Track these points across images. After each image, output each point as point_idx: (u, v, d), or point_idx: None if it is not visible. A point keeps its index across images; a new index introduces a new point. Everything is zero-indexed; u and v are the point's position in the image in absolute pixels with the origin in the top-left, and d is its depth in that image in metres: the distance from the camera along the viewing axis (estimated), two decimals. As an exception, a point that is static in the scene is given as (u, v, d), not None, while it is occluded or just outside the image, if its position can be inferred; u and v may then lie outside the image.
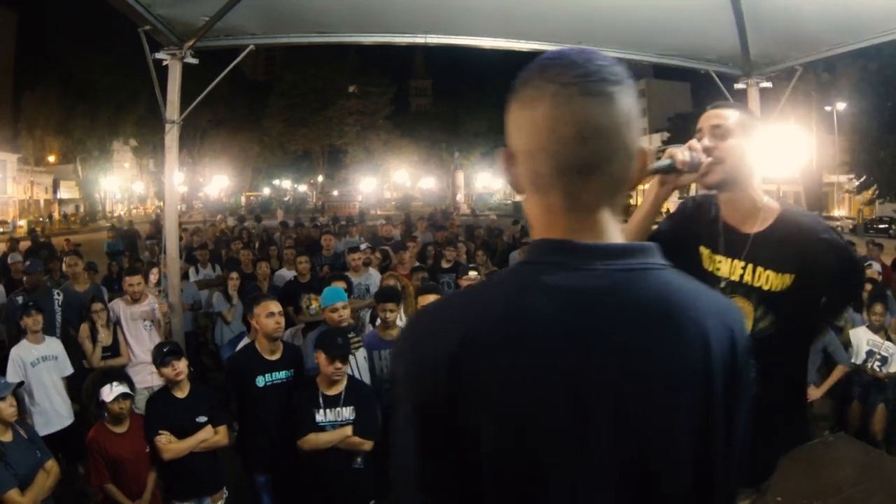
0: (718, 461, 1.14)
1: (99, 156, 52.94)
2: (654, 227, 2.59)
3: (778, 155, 17.48)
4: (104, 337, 6.64)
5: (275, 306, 4.91)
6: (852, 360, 6.52)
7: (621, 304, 1.10)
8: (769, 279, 2.37)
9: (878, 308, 6.70)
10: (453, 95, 69.86)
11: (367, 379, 5.20)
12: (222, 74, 6.54)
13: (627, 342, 1.08)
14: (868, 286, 7.78)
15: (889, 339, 6.65)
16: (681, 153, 2.34)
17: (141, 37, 5.65)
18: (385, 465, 4.20)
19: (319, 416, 4.52)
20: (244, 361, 4.94)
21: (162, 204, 9.43)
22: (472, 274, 6.47)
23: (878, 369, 6.48)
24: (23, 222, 43.91)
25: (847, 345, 6.69)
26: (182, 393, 4.80)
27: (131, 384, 4.78)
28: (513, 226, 18.11)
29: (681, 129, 59.10)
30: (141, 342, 6.68)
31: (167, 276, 6.47)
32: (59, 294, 7.60)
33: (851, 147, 22.43)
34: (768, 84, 7.55)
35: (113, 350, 6.66)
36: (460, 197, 66.88)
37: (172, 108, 6.06)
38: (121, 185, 61.71)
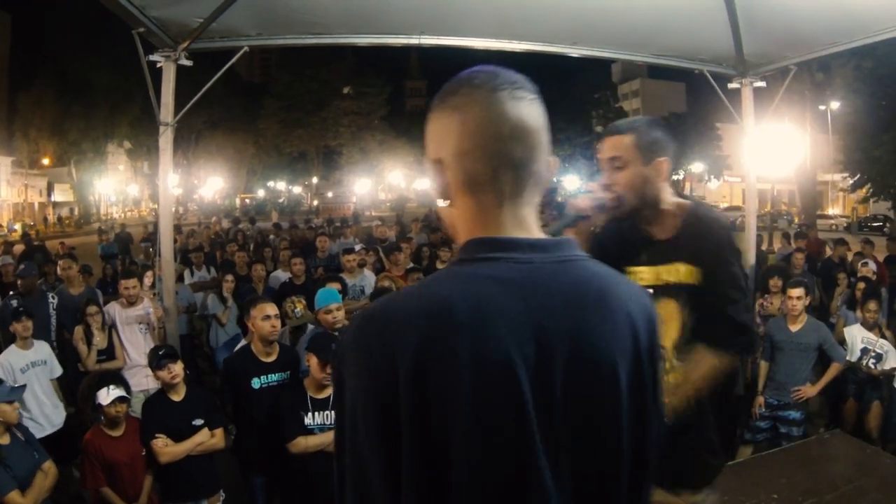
0: (651, 422, 1.31)
1: (93, 158, 52.83)
2: None
3: (772, 154, 17.53)
4: (99, 340, 6.63)
5: (271, 309, 4.90)
6: (847, 358, 6.54)
7: (563, 291, 1.22)
8: (687, 273, 2.52)
9: (872, 305, 6.73)
10: (448, 96, 69.83)
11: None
12: (217, 76, 6.52)
13: (573, 324, 1.20)
14: (861, 284, 7.83)
15: (883, 336, 6.67)
16: (581, 202, 2.46)
17: (135, 39, 5.63)
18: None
19: (308, 420, 4.50)
20: (239, 363, 4.93)
21: (157, 206, 9.43)
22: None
23: (872, 366, 6.50)
24: (17, 226, 43.79)
25: (842, 342, 6.71)
26: (178, 396, 4.79)
27: (127, 387, 4.77)
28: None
29: (675, 129, 59.20)
30: (137, 345, 6.67)
31: (162, 279, 6.46)
32: (53, 297, 7.59)
33: (845, 146, 22.49)
34: (762, 83, 7.58)
35: (108, 353, 6.65)
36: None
37: (167, 110, 6.05)
38: (115, 187, 61.58)
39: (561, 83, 58.53)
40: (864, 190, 20.85)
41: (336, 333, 5.01)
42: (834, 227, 41.06)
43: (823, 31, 6.33)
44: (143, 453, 4.61)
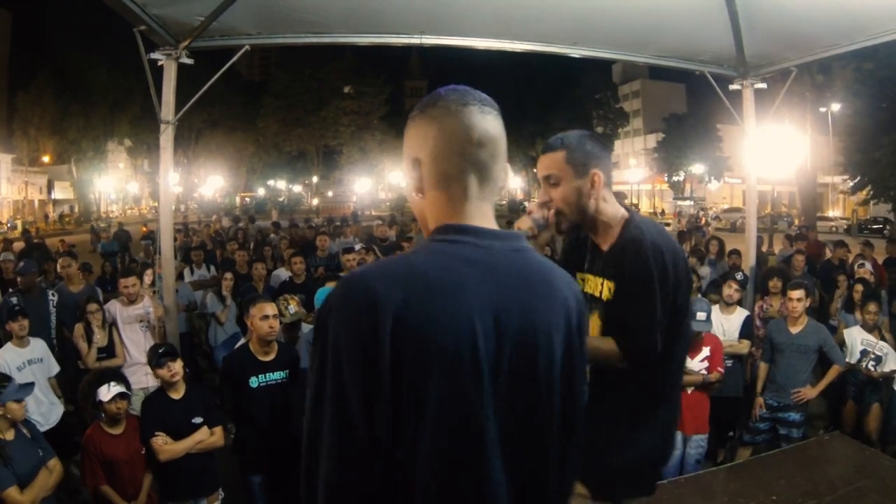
0: (578, 384, 1.62)
1: (93, 156, 52.79)
2: None
3: (773, 156, 17.53)
4: (100, 338, 6.62)
5: (270, 309, 4.90)
6: (847, 360, 6.54)
7: (515, 274, 1.49)
8: (606, 288, 2.61)
9: (872, 307, 6.72)
10: (448, 96, 69.65)
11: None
12: (217, 75, 6.53)
13: (522, 301, 1.47)
14: (859, 286, 7.84)
15: (883, 338, 6.67)
16: (524, 223, 2.57)
17: (136, 37, 5.64)
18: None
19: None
20: (238, 362, 4.93)
21: (157, 204, 9.46)
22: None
23: (872, 369, 6.50)
24: (17, 223, 43.79)
25: (841, 344, 6.71)
26: (177, 394, 4.79)
27: (128, 385, 4.77)
28: (506, 226, 18.08)
29: (676, 129, 59.16)
30: (137, 343, 6.66)
31: (162, 277, 6.46)
32: (53, 295, 7.59)
33: (846, 148, 22.48)
34: (763, 85, 7.59)
35: (108, 351, 6.65)
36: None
37: (167, 109, 6.06)
38: (115, 185, 61.56)
39: (561, 84, 58.48)
40: (864, 192, 20.85)
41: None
42: (834, 229, 41.08)
43: (825, 32, 6.34)
44: (143, 451, 4.61)
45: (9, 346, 5.96)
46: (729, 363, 6.26)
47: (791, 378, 6.09)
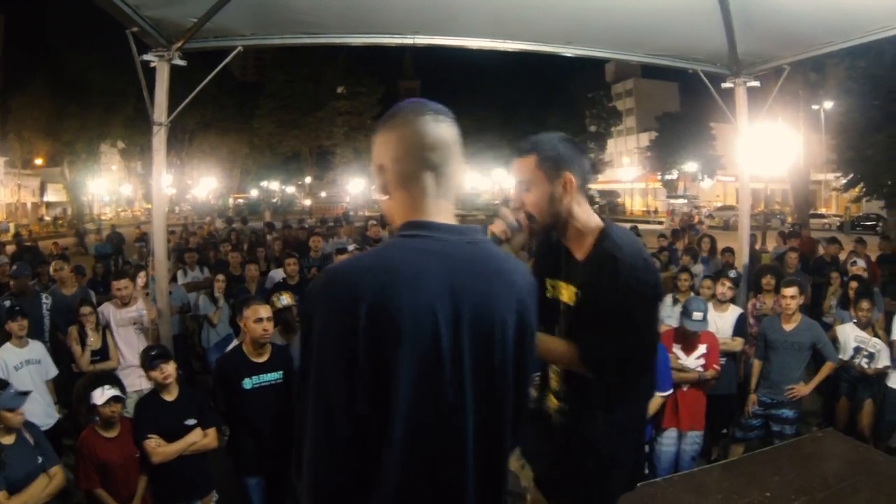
0: (529, 361, 1.81)
1: (87, 158, 52.51)
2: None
3: (766, 154, 17.56)
4: (94, 340, 6.60)
5: (264, 311, 4.88)
6: (840, 357, 6.56)
7: (471, 263, 1.70)
8: (576, 295, 2.59)
9: (865, 304, 6.74)
10: (442, 96, 69.02)
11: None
12: (210, 76, 6.53)
13: (477, 287, 1.68)
14: (853, 283, 7.86)
15: (876, 335, 6.69)
16: (497, 227, 2.58)
17: (129, 38, 5.62)
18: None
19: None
20: (231, 364, 4.91)
21: (150, 206, 9.44)
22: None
23: (865, 366, 6.52)
24: (10, 226, 43.59)
25: (834, 341, 6.72)
26: (171, 396, 4.78)
27: (122, 388, 4.76)
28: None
29: (669, 128, 59.18)
30: (131, 346, 6.65)
31: (155, 279, 6.45)
32: (47, 298, 7.58)
33: (838, 145, 22.52)
34: (756, 83, 7.61)
35: (102, 354, 6.63)
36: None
37: (160, 110, 6.05)
38: (108, 187, 61.31)
39: (555, 83, 58.52)
40: (856, 189, 20.89)
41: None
42: (827, 226, 41.16)
43: (818, 30, 6.35)
44: (137, 454, 4.60)
45: (7, 345, 5.95)
46: (722, 361, 6.28)
47: (784, 375, 6.11)
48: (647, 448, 5.78)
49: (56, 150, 51.12)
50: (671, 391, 5.60)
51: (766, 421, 6.19)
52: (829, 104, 32.34)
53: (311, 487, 1.61)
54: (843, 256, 11.25)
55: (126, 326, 6.74)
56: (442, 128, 1.77)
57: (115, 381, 4.72)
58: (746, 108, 7.75)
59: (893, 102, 18.15)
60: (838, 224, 42.62)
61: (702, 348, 5.93)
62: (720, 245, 11.46)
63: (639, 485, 4.17)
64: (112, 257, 15.80)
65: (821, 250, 12.38)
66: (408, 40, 6.69)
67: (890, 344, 6.58)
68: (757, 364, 6.38)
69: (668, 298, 7.34)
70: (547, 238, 2.85)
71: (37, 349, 6.16)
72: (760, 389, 6.25)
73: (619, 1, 6.00)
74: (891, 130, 18.08)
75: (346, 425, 1.55)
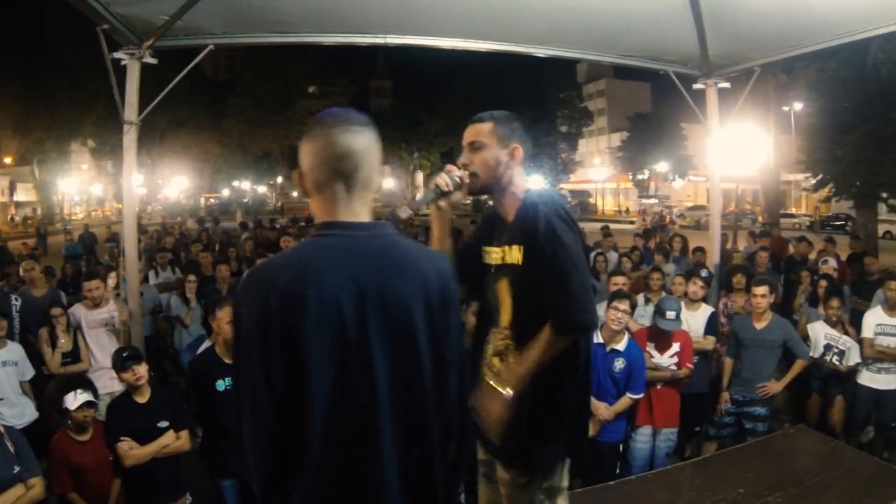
0: (443, 348, 1.95)
1: (57, 157, 51.85)
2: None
3: (736, 154, 17.72)
4: (64, 342, 6.51)
5: (237, 312, 4.85)
6: (811, 354, 6.63)
7: (373, 256, 1.91)
8: (513, 254, 2.80)
9: (835, 303, 6.83)
10: (414, 95, 69.09)
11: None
12: (182, 74, 6.46)
13: (380, 277, 1.87)
14: (823, 282, 7.96)
15: (846, 332, 6.77)
16: (441, 179, 2.79)
17: (99, 36, 5.56)
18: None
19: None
20: (203, 365, 4.87)
21: (121, 206, 9.29)
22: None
23: (837, 362, 6.60)
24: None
25: (805, 339, 6.79)
26: (143, 398, 4.74)
27: (95, 392, 4.70)
28: (471, 225, 18.04)
29: (640, 128, 59.47)
30: (102, 347, 6.58)
31: (126, 280, 6.38)
32: (16, 299, 7.45)
33: (808, 146, 22.72)
34: (727, 84, 7.68)
35: (73, 356, 6.54)
36: (420, 197, 66.16)
37: (131, 109, 5.99)
38: (79, 187, 60.58)
39: (526, 83, 58.46)
40: (826, 189, 21.07)
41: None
42: (797, 225, 41.69)
43: (788, 33, 6.42)
44: (111, 458, 4.54)
45: None
46: (695, 359, 6.33)
47: (756, 373, 6.17)
48: (621, 446, 5.82)
49: (25, 149, 50.38)
50: (642, 395, 5.63)
51: (739, 418, 6.24)
52: (799, 106, 32.72)
53: (248, 463, 1.85)
54: (813, 256, 11.37)
55: (97, 328, 6.67)
56: (352, 138, 1.95)
57: (87, 385, 4.66)
58: (717, 108, 7.81)
59: (863, 105, 18.35)
60: (808, 224, 43.17)
61: (675, 347, 5.97)
62: (692, 244, 11.54)
63: (613, 483, 4.21)
64: (83, 257, 15.54)
65: (791, 249, 12.51)
66: (379, 40, 6.67)
67: (860, 341, 6.66)
68: (728, 362, 6.43)
69: (641, 298, 7.38)
70: (489, 213, 3.14)
71: (15, 350, 6.10)
72: (732, 387, 6.30)
73: (591, 2, 6.02)
74: (860, 132, 18.28)
75: (270, 403, 1.79)
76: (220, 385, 4.72)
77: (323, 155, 1.95)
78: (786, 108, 36.50)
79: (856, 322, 7.03)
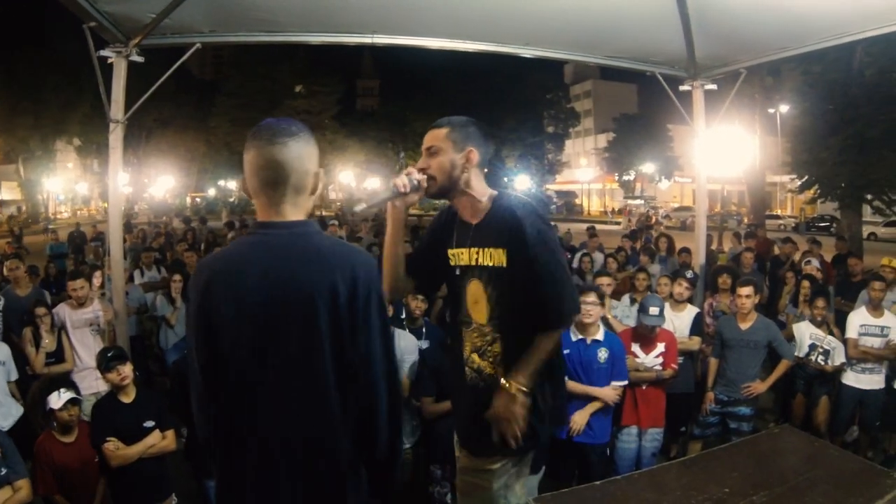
0: (348, 345, 2.13)
1: (42, 156, 51.50)
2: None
3: (722, 156, 17.80)
4: (48, 342, 6.46)
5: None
6: (796, 354, 6.67)
7: (287, 251, 2.15)
8: (492, 256, 2.89)
9: (820, 303, 6.87)
10: (401, 95, 68.81)
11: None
12: (168, 73, 6.45)
13: (290, 270, 2.12)
14: (806, 283, 8.01)
15: (831, 332, 6.81)
16: (400, 180, 2.89)
17: (86, 33, 5.53)
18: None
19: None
20: (188, 365, 4.84)
21: (107, 205, 9.17)
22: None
23: (822, 362, 6.64)
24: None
25: (790, 339, 6.84)
26: (128, 398, 4.71)
27: (77, 390, 4.68)
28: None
29: (627, 129, 59.61)
30: (87, 347, 6.51)
31: (111, 279, 6.34)
32: (0, 299, 7.40)
33: (794, 148, 22.83)
34: (713, 86, 7.71)
35: (57, 356, 6.49)
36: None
37: (117, 107, 5.96)
38: (64, 186, 60.21)
39: (513, 83, 58.42)
40: (811, 191, 21.19)
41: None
42: (782, 226, 41.90)
43: (774, 36, 6.46)
44: (96, 458, 4.52)
45: None
46: (680, 360, 6.35)
47: (741, 373, 6.20)
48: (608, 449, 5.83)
49: (10, 147, 50.06)
50: (627, 381, 5.65)
51: (724, 418, 6.27)
52: (784, 108, 32.85)
53: (194, 417, 2.33)
54: (797, 257, 11.43)
55: (82, 328, 6.61)
56: (277, 150, 2.16)
57: (69, 385, 4.64)
58: (704, 110, 7.85)
59: (848, 107, 18.48)
60: (793, 225, 43.43)
61: (660, 347, 5.99)
62: (677, 245, 11.58)
63: (599, 482, 4.21)
64: (71, 257, 15.41)
65: (776, 250, 12.58)
66: (366, 40, 6.67)
67: (844, 342, 6.71)
68: (713, 362, 6.46)
69: (626, 298, 7.40)
70: (447, 212, 3.19)
71: (3, 351, 6.06)
72: (717, 387, 6.33)
73: (578, 3, 6.04)
74: (845, 134, 18.41)
75: (200, 373, 2.18)
76: (206, 385, 4.70)
77: (253, 166, 2.19)
78: (772, 111, 36.71)
79: (840, 323, 7.08)
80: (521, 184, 55.75)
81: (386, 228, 3.16)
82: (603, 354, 5.47)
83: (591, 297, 5.50)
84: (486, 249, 2.90)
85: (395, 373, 2.32)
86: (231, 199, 68.84)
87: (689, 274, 7.33)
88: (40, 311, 6.55)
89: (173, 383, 5.14)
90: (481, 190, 2.97)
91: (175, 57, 6.46)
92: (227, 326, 2.10)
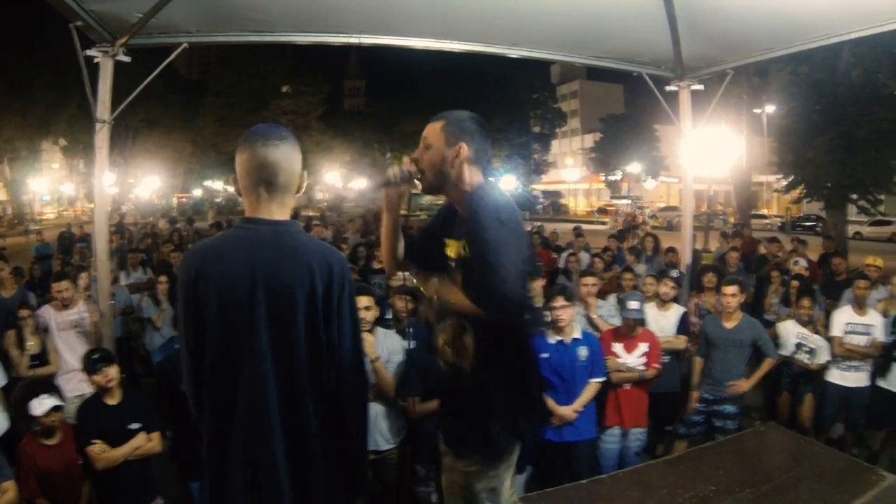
0: (321, 333, 2.39)
1: (27, 156, 51.15)
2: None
3: (709, 155, 17.88)
4: (33, 344, 6.38)
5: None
6: (781, 352, 6.71)
7: (270, 245, 2.39)
8: (464, 247, 2.91)
9: (806, 302, 6.90)
10: (387, 95, 68.79)
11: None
12: (155, 73, 6.41)
13: (272, 263, 2.35)
14: (795, 282, 8.05)
15: (817, 331, 6.85)
16: (392, 170, 3.01)
17: (72, 33, 5.50)
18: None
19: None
20: (173, 366, 4.78)
21: (93, 206, 9.05)
22: (401, 274, 6.42)
23: (808, 361, 6.67)
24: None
25: (776, 338, 6.87)
26: (114, 400, 4.70)
27: (61, 395, 4.62)
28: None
29: (613, 129, 59.66)
30: (72, 349, 6.45)
31: (97, 280, 6.30)
32: (-17, 300, 7.33)
33: (780, 148, 22.93)
34: (700, 86, 7.73)
35: (41, 358, 6.41)
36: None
37: (103, 107, 5.92)
38: (50, 186, 59.86)
39: (500, 84, 58.40)
40: (797, 191, 21.30)
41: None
42: (768, 226, 42.09)
43: (761, 36, 6.49)
44: (80, 461, 4.49)
45: None
46: (666, 359, 6.38)
47: (726, 372, 6.23)
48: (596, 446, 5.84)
49: (-3, 147, 49.62)
50: (605, 377, 5.67)
51: (709, 417, 6.30)
52: (771, 108, 32.96)
53: (186, 390, 2.46)
54: (782, 255, 11.48)
55: (67, 330, 6.56)
56: (270, 150, 2.43)
57: (51, 389, 4.58)
58: (690, 110, 7.87)
59: (834, 108, 18.61)
60: (779, 224, 43.61)
61: (643, 347, 6.00)
62: (664, 245, 11.61)
63: (584, 481, 4.23)
64: (59, 257, 15.29)
65: (762, 250, 12.64)
66: (353, 40, 6.66)
67: (829, 340, 6.75)
68: (699, 361, 6.49)
69: (612, 298, 7.42)
70: (444, 208, 3.22)
71: None
72: (702, 386, 6.36)
73: (565, 3, 6.04)
74: (831, 134, 18.54)
75: (188, 348, 2.40)
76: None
77: (247, 165, 2.44)
78: (758, 111, 36.82)
79: (827, 322, 7.13)
80: (508, 184, 55.72)
81: (382, 220, 3.25)
82: (583, 353, 5.50)
83: (560, 302, 5.51)
84: (460, 241, 2.94)
85: (361, 361, 2.59)
86: (218, 200, 68.60)
87: (674, 273, 7.36)
88: (24, 312, 6.48)
89: (158, 384, 5.10)
90: (470, 184, 2.96)
91: (162, 57, 6.43)
92: (214, 314, 2.32)
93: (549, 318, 5.53)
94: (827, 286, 9.53)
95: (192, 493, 4.84)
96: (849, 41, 6.24)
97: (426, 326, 5.26)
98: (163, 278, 8.45)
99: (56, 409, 4.43)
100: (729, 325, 6.32)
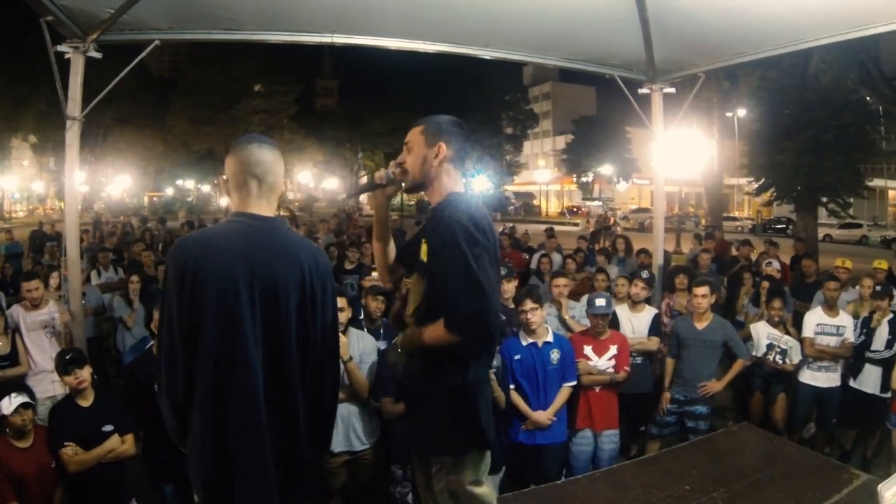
0: (310, 326, 2.59)
1: (-5, 154, 50.48)
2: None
3: (681, 158, 18.02)
4: (1, 345, 6.30)
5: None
6: (753, 353, 6.77)
7: (262, 241, 2.54)
8: (425, 250, 2.98)
9: (777, 304, 6.97)
10: (359, 96, 68.37)
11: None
12: (126, 70, 6.35)
13: (266, 259, 2.49)
14: (766, 283, 8.13)
15: (788, 332, 6.92)
16: (379, 172, 3.15)
17: (42, 27, 5.43)
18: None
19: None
20: (143, 367, 4.75)
21: (63, 204, 8.98)
22: (375, 274, 6.41)
23: (780, 361, 6.73)
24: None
25: (747, 339, 6.94)
26: (86, 402, 4.64)
27: (31, 394, 4.56)
28: (416, 226, 18.00)
29: (585, 131, 59.89)
30: (42, 350, 6.37)
31: (68, 280, 6.23)
32: (-49, 300, 7.21)
33: (750, 151, 23.14)
34: (672, 90, 7.79)
35: (11, 359, 6.29)
36: (364, 198, 65.53)
37: (74, 104, 5.85)
38: (19, 184, 59.04)
39: (472, 85, 58.38)
40: (768, 194, 21.50)
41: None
42: (739, 228, 42.61)
43: (732, 41, 6.56)
44: (53, 464, 4.42)
45: None
46: (639, 360, 6.42)
47: (697, 372, 6.28)
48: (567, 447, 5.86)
49: (-37, 145, 48.84)
50: (576, 381, 5.69)
51: (681, 417, 6.34)
52: (742, 112, 33.36)
53: (161, 390, 2.49)
54: (754, 257, 11.60)
55: (37, 330, 6.47)
56: (263, 151, 2.65)
57: (21, 388, 4.52)
58: (662, 113, 7.93)
59: (803, 112, 18.82)
60: (751, 227, 44.12)
61: (612, 349, 6.02)
62: (636, 247, 11.68)
63: (559, 482, 4.25)
64: (30, 256, 15.10)
65: (734, 252, 12.75)
66: (325, 39, 6.64)
67: (801, 341, 6.83)
68: (670, 362, 6.54)
69: (584, 299, 7.44)
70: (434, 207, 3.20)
71: None
72: (674, 387, 6.41)
73: (538, 5, 6.07)
74: (800, 138, 18.73)
75: (177, 340, 2.41)
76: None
77: (242, 162, 2.62)
78: (729, 114, 37.15)
79: (796, 323, 7.21)
80: (480, 185, 55.76)
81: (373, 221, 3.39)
82: (555, 356, 5.52)
83: (528, 304, 5.49)
84: (424, 244, 3.00)
85: (337, 345, 2.81)
86: (189, 199, 68.02)
87: (644, 274, 7.39)
88: (-8, 312, 6.40)
89: (127, 385, 5.05)
90: (447, 186, 3.05)
91: (133, 54, 6.37)
92: (212, 305, 2.40)
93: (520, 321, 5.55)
94: (798, 288, 9.64)
95: (166, 495, 4.79)
96: (818, 47, 6.33)
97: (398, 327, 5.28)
98: (134, 278, 8.38)
99: (25, 405, 4.35)
100: (700, 325, 6.37)
